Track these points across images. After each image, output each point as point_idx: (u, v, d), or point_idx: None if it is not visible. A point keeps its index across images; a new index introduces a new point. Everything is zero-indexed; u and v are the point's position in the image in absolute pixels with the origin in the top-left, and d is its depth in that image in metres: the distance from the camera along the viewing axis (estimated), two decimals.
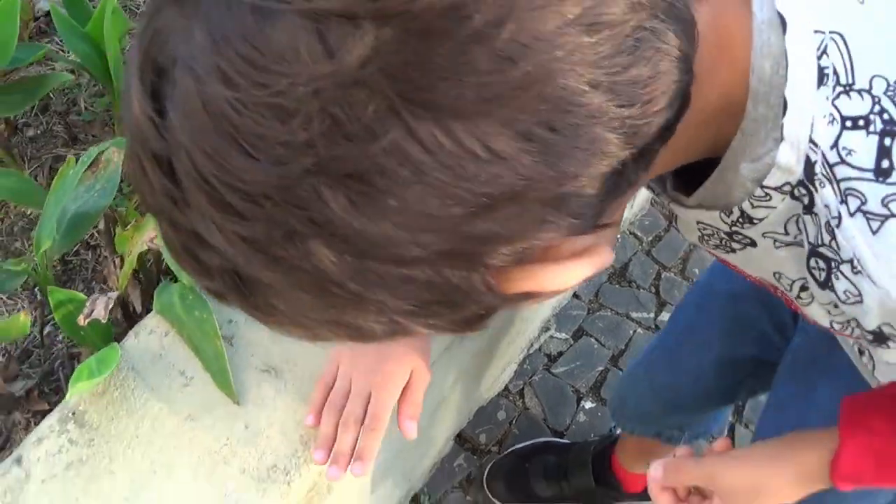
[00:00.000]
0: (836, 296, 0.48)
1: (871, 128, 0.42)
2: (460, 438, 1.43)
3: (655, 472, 0.78)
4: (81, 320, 0.92)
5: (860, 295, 0.46)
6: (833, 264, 0.47)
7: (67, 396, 0.86)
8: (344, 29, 0.30)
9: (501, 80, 0.31)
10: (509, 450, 1.40)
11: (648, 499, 1.35)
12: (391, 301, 0.36)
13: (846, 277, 0.46)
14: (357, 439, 0.82)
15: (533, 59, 0.32)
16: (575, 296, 1.57)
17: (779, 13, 0.42)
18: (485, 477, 1.38)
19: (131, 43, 0.36)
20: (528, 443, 1.41)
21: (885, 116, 0.42)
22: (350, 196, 0.32)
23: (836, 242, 0.45)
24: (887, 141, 0.42)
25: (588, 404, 1.46)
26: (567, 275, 0.39)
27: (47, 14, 1.49)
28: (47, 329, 1.15)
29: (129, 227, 0.97)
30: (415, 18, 0.30)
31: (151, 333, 0.93)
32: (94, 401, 0.89)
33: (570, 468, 1.34)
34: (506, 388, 1.48)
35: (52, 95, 1.38)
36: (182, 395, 0.90)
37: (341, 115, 0.31)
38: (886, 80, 0.42)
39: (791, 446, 0.72)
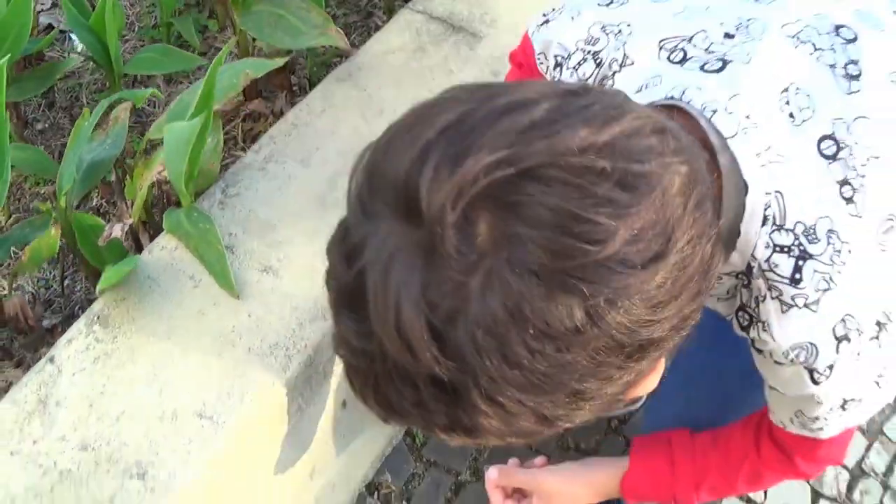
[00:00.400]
0: (748, 337, 0.76)
1: (791, 253, 0.68)
2: None
3: (491, 475, 1.01)
4: (101, 241, 1.06)
5: (763, 342, 0.73)
6: (753, 320, 0.74)
7: (97, 290, 1.00)
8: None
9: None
10: None
11: None
12: (577, 418, 0.56)
13: (757, 330, 0.73)
14: None
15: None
16: None
17: (745, 181, 0.66)
18: None
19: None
20: None
21: (801, 248, 0.68)
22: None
23: (758, 309, 0.72)
24: (800, 262, 0.68)
25: None
26: (655, 377, 0.60)
27: (46, 28, 1.65)
28: (67, 281, 1.29)
29: (138, 165, 1.12)
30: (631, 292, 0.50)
31: (163, 249, 1.07)
32: (116, 305, 1.03)
33: None
34: None
35: (56, 94, 1.54)
36: (192, 296, 1.04)
37: (604, 359, 0.51)
38: (804, 224, 0.67)
39: (592, 466, 1.02)
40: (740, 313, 0.77)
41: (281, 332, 1.01)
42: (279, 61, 1.18)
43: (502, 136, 0.49)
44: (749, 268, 0.71)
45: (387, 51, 1.30)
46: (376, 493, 1.45)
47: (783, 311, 0.70)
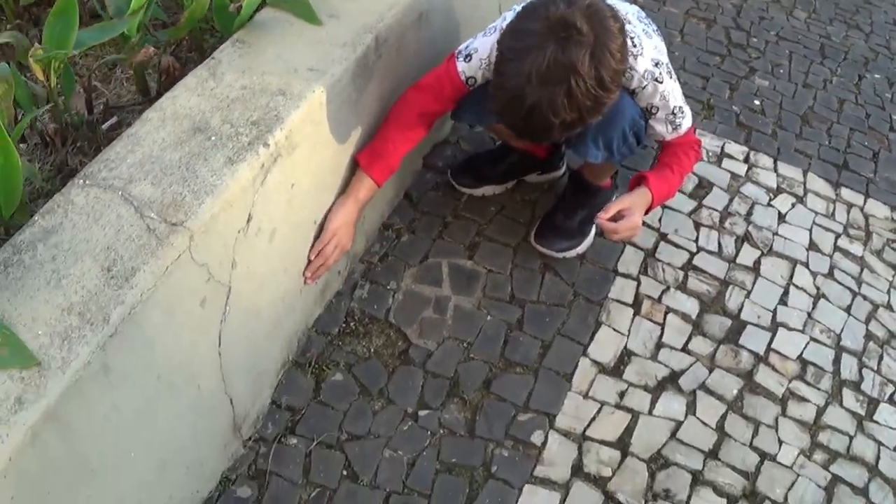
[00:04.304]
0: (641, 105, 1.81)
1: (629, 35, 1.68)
2: (425, 166, 2.23)
3: (599, 215, 1.78)
4: (232, 9, 1.72)
5: (633, 74, 1.73)
6: (634, 73, 1.75)
7: (234, 27, 1.65)
8: None
9: None
10: (460, 160, 2.22)
11: (552, 162, 2.16)
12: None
13: (636, 80, 1.75)
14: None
15: None
16: None
17: None
18: (451, 176, 2.18)
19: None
20: (469, 154, 2.24)
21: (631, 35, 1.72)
22: None
23: (635, 64, 1.73)
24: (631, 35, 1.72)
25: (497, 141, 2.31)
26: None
27: None
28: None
29: None
30: None
31: (266, 12, 1.73)
32: (247, 34, 1.67)
33: (500, 154, 2.16)
34: (446, 139, 2.31)
35: None
36: (291, 28, 1.69)
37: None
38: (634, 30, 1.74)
39: (639, 193, 1.82)
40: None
41: (349, 37, 1.68)
42: None
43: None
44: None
45: None
46: (390, 229, 2.07)
47: (634, 56, 1.68)
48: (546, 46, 1.46)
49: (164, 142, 1.41)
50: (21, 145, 1.65)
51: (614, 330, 1.95)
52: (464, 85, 1.82)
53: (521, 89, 1.48)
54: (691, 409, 1.84)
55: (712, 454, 1.77)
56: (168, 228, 1.27)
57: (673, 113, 1.78)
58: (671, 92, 1.75)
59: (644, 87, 1.74)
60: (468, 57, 1.80)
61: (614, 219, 1.77)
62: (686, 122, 1.81)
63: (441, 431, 1.73)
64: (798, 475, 1.77)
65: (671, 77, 1.75)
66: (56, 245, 1.23)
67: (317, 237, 1.74)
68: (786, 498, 1.73)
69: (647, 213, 1.84)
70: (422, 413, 1.75)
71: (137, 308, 1.19)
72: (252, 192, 1.43)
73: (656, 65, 1.73)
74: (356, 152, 1.80)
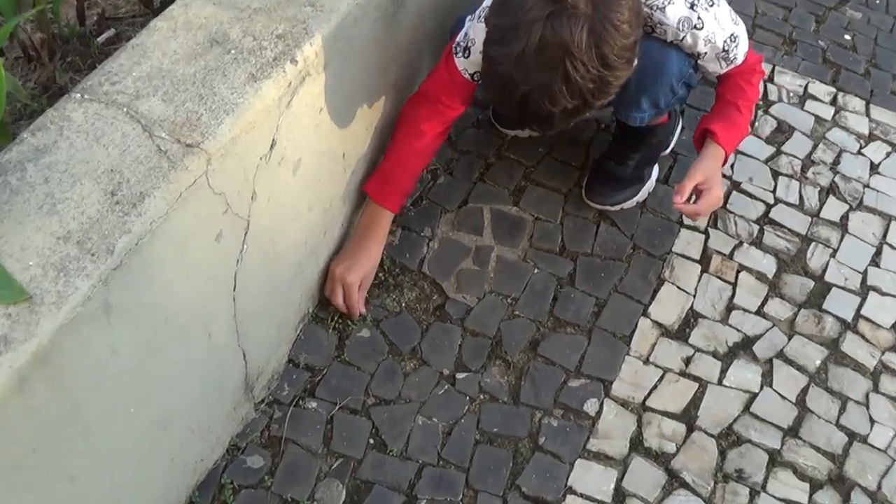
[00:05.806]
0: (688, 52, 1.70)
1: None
2: None
3: (675, 199, 1.69)
4: None
5: (665, 25, 1.62)
6: (663, 26, 1.63)
7: None
8: None
9: None
10: None
11: None
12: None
13: (668, 30, 1.63)
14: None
15: None
16: None
17: None
18: (493, 118, 2.10)
19: None
20: None
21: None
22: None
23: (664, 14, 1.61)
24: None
25: None
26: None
27: None
28: None
29: None
30: None
31: None
32: None
33: None
34: None
35: None
36: None
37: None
38: None
39: (710, 154, 1.73)
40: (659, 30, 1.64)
41: None
42: None
43: None
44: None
45: None
46: (424, 169, 2.00)
47: (662, 9, 1.58)
48: (533, 23, 1.30)
49: (175, 54, 1.34)
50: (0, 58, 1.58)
51: (679, 288, 1.88)
52: (469, 82, 1.73)
53: (510, 75, 1.34)
54: (767, 379, 1.77)
55: (792, 432, 1.71)
56: (182, 150, 1.21)
57: (724, 50, 1.67)
58: (715, 31, 1.63)
59: (682, 39, 1.63)
60: (466, 51, 1.69)
61: (692, 196, 1.72)
62: (741, 49, 1.70)
63: (481, 397, 1.68)
64: (894, 460, 1.70)
65: (713, 5, 1.62)
66: (49, 166, 1.17)
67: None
68: (879, 485, 1.66)
69: (721, 166, 1.77)
70: (459, 376, 1.70)
71: (146, 238, 1.13)
72: (277, 115, 1.36)
73: (691, 7, 1.59)
74: (364, 182, 1.79)
